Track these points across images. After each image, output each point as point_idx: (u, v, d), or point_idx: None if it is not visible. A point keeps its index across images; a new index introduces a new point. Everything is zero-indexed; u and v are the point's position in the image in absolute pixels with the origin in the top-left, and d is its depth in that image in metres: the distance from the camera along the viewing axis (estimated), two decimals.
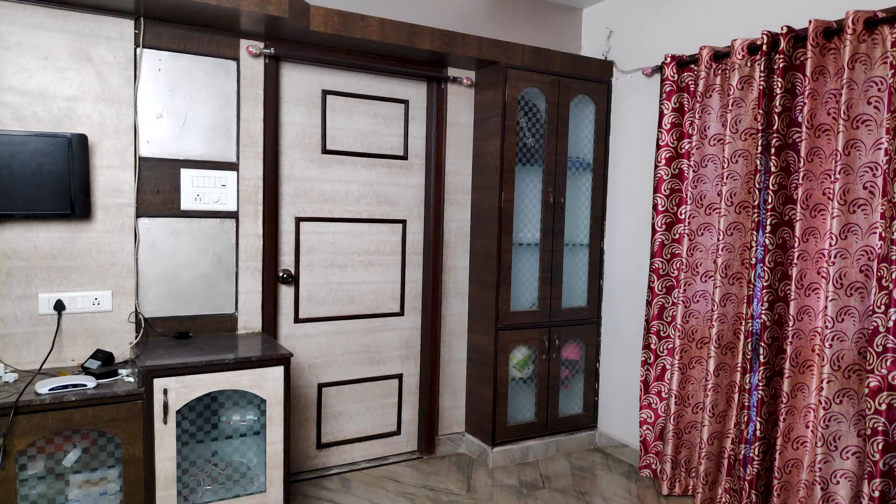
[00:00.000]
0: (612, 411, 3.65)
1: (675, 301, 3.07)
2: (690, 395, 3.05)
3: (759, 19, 2.81)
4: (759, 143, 2.67)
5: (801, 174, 2.53)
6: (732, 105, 2.78)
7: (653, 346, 3.20)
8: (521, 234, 3.43)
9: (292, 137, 3.05)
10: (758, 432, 2.66)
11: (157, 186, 2.72)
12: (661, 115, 3.11)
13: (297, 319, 3.12)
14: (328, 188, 3.15)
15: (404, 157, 3.35)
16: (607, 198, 3.63)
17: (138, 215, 2.68)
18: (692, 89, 3.04)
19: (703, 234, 2.99)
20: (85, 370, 2.43)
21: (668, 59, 3.09)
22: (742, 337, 2.81)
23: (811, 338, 2.58)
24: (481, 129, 3.42)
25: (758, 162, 2.68)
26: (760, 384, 2.64)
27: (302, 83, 3.06)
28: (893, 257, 2.24)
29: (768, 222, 2.62)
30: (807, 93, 2.50)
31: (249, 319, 2.94)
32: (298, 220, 3.09)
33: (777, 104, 2.57)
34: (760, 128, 2.66)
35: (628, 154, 3.51)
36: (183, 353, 2.49)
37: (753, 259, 2.69)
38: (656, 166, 3.13)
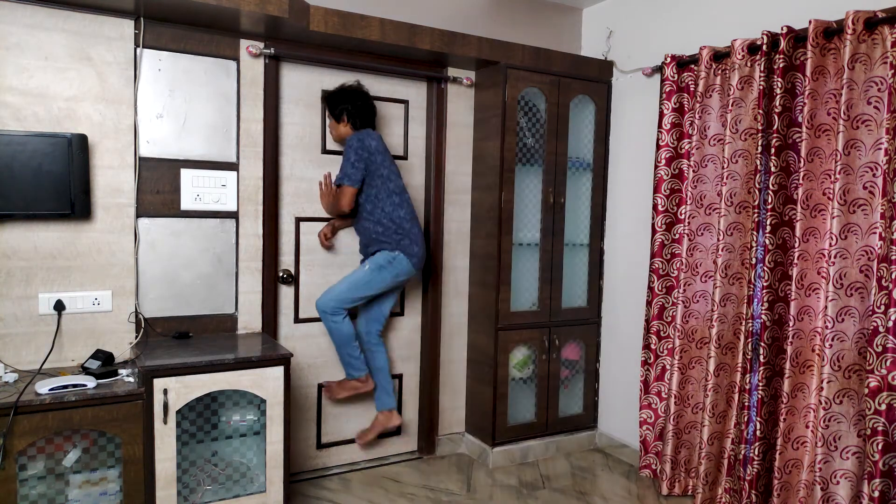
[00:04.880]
0: (612, 411, 3.65)
1: (675, 301, 3.07)
2: (690, 396, 3.05)
3: (759, 19, 2.81)
4: (759, 143, 2.67)
5: (801, 174, 2.53)
6: (732, 105, 2.78)
7: (653, 346, 3.20)
8: (521, 234, 3.43)
9: (292, 137, 3.05)
10: (758, 432, 2.66)
11: (157, 186, 2.72)
12: (661, 115, 3.11)
13: (297, 319, 3.12)
14: None
15: (404, 158, 3.35)
16: (607, 198, 3.63)
17: (138, 215, 2.68)
18: (692, 89, 3.04)
19: (703, 234, 2.99)
20: (85, 370, 2.43)
21: (668, 59, 3.09)
22: (742, 337, 2.81)
23: (811, 338, 2.57)
24: (481, 129, 3.42)
25: (758, 162, 2.68)
26: (760, 384, 2.64)
27: (302, 83, 3.06)
28: (893, 257, 2.24)
29: (768, 222, 2.62)
30: (807, 93, 2.50)
31: (249, 319, 2.94)
32: (298, 220, 3.09)
33: (777, 104, 2.57)
34: (760, 128, 2.66)
35: (628, 154, 3.51)
36: (183, 353, 2.49)
37: (753, 259, 2.69)
38: (656, 166, 3.13)
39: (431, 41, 3.07)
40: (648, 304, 3.20)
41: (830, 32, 2.48)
